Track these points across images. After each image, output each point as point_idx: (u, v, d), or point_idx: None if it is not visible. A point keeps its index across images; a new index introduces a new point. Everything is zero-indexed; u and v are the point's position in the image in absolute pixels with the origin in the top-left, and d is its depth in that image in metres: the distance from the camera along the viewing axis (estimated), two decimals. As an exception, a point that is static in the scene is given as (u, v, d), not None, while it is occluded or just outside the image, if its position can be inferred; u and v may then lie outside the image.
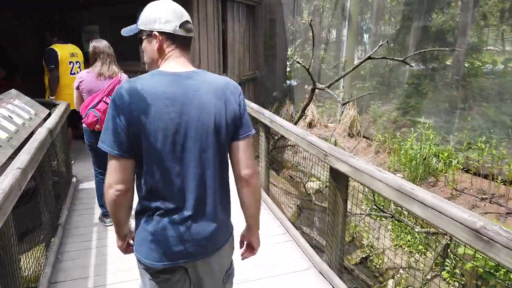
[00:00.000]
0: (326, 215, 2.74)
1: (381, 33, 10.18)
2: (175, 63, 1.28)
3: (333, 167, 2.49)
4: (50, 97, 4.80)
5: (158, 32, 1.27)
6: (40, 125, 3.37)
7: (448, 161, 5.23)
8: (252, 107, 4.15)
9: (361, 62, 5.57)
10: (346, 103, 5.71)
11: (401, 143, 5.89)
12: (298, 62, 5.68)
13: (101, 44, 3.11)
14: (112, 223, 1.46)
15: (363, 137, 7.51)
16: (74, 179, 4.47)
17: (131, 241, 1.46)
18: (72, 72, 4.95)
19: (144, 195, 1.28)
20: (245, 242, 1.55)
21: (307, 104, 6.07)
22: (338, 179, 2.53)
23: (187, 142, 1.23)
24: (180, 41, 1.29)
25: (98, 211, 3.75)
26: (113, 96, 1.21)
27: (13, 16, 6.64)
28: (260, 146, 4.08)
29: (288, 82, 12.35)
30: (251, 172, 1.34)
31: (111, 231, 3.29)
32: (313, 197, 5.64)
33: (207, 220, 1.30)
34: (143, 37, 1.31)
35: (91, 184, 4.52)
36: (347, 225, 3.93)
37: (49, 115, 3.81)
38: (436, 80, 7.26)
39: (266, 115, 3.75)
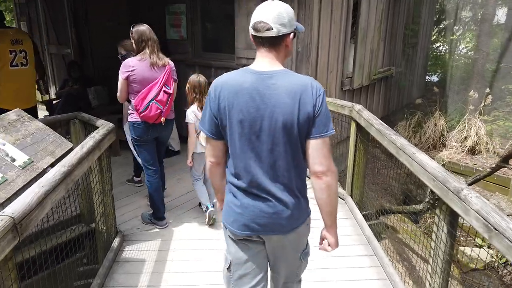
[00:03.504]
0: None
1: None
2: (262, 63, 1.44)
3: None
4: None
5: (251, 34, 1.47)
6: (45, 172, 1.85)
7: None
8: (427, 167, 2.00)
9: None
10: None
11: None
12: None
13: (146, 28, 2.91)
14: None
15: None
16: (116, 240, 2.93)
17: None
18: (14, 64, 3.85)
19: (231, 173, 1.52)
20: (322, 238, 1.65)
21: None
22: None
23: (261, 135, 1.41)
24: (259, 41, 1.43)
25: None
26: (210, 86, 1.48)
27: None
28: (435, 252, 1.93)
29: (427, 78, 9.46)
30: (323, 170, 1.42)
31: None
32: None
33: (278, 202, 1.47)
34: None
35: (142, 249, 2.93)
36: None
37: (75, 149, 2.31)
38: None
39: (475, 204, 1.56)
